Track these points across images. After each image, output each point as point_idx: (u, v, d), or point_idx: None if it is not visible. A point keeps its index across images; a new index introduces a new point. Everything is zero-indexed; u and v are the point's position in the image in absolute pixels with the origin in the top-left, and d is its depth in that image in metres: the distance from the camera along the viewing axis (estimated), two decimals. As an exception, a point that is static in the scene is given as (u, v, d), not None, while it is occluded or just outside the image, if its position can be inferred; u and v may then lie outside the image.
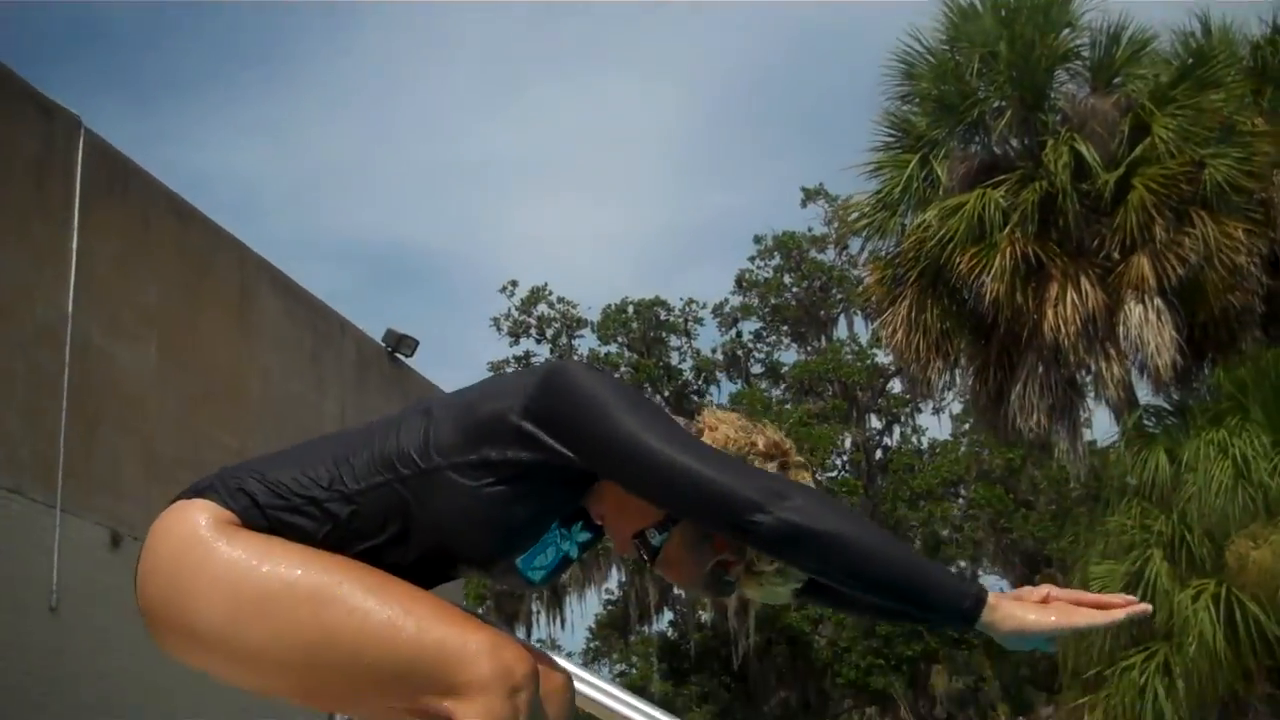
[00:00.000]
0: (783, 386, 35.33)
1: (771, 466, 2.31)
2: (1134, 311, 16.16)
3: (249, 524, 2.25)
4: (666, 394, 36.07)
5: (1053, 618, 2.08)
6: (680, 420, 2.35)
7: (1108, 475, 17.30)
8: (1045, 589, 2.13)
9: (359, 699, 2.28)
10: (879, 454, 33.93)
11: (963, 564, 32.05)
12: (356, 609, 2.15)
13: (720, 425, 2.35)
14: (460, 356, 59.86)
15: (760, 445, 2.32)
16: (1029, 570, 29.23)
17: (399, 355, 20.00)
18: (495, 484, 2.22)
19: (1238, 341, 16.88)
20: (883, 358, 32.78)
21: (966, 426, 32.05)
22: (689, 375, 36.51)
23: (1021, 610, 2.07)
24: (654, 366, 35.52)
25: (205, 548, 2.22)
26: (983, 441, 30.08)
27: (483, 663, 2.11)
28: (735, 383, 36.07)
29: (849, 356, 33.98)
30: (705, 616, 31.98)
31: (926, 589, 2.07)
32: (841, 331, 35.61)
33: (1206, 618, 13.61)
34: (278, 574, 2.18)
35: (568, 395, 2.19)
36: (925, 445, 33.65)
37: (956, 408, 31.54)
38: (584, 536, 2.41)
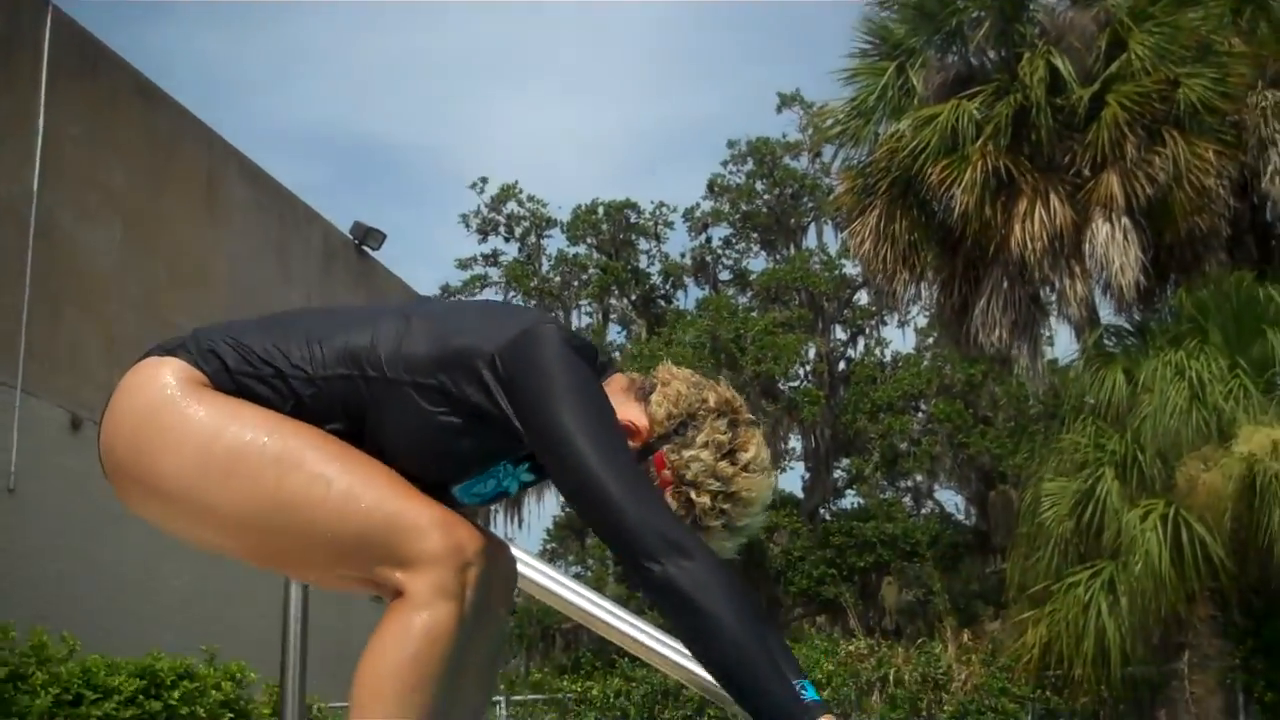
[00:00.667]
0: (750, 294, 35.31)
1: (722, 423, 2.34)
2: (1101, 230, 16.21)
3: (217, 387, 2.27)
4: (634, 297, 36.05)
5: None
6: (634, 377, 2.40)
7: (1066, 393, 17.46)
8: None
9: (313, 564, 2.33)
10: (842, 365, 34.05)
11: (919, 478, 32.34)
12: (319, 476, 2.18)
13: (673, 380, 2.38)
14: (428, 253, 59.65)
15: (711, 402, 2.36)
16: (984, 486, 29.53)
17: (366, 248, 19.90)
18: (449, 415, 2.25)
19: (1202, 264, 16.97)
20: (851, 269, 32.78)
21: (930, 340, 32.19)
22: (657, 279, 36.46)
23: None
24: (622, 269, 35.44)
25: (174, 406, 2.24)
26: (945, 356, 30.23)
27: (435, 537, 2.15)
28: (703, 288, 36.08)
29: (817, 266, 33.96)
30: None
31: (759, 702, 2.09)
32: (811, 241, 35.61)
33: (1154, 538, 13.83)
34: (244, 437, 2.21)
35: (532, 366, 2.21)
36: (888, 358, 33.80)
37: (921, 321, 31.69)
38: (528, 477, 2.45)
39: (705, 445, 2.31)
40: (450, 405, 2.25)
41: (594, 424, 2.18)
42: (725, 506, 2.30)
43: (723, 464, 2.30)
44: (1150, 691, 14.69)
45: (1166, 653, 14.43)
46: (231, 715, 8.18)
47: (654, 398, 2.35)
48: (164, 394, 2.25)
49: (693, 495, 2.29)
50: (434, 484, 2.32)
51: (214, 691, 8.11)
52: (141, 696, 7.57)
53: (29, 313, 12.81)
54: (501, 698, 15.92)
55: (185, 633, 12.81)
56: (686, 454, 2.30)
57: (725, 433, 2.33)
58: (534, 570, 3.00)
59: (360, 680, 2.12)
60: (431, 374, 2.25)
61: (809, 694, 2.19)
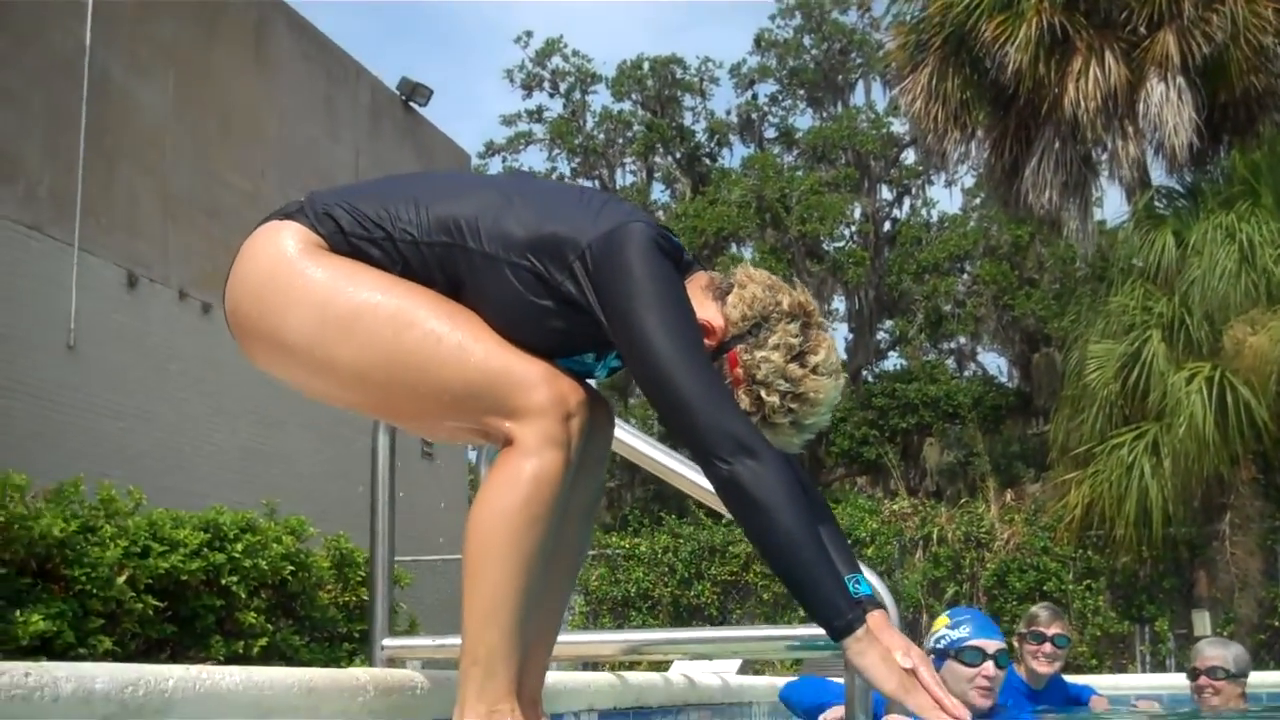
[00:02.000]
0: (795, 153, 35.01)
1: (794, 326, 2.43)
2: (1155, 89, 15.97)
3: (333, 248, 2.41)
4: (678, 155, 35.81)
5: (892, 688, 2.26)
6: (714, 276, 2.50)
7: (1114, 255, 17.37)
8: (919, 661, 2.32)
9: (426, 415, 2.47)
10: (887, 226, 33.84)
11: (963, 340, 32.32)
12: (432, 332, 2.33)
13: (750, 283, 2.47)
14: (473, 110, 59.18)
15: (785, 305, 2.45)
16: (1028, 348, 29.48)
17: (413, 104, 19.82)
18: (541, 298, 2.37)
19: (1256, 125, 16.72)
20: (898, 127, 32.39)
21: (977, 201, 31.89)
22: (702, 137, 36.17)
23: (881, 669, 2.26)
24: (666, 127, 35.15)
25: (295, 268, 2.38)
26: (992, 217, 29.97)
27: (542, 389, 2.30)
28: (748, 146, 35.76)
29: (864, 124, 33.58)
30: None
31: (812, 595, 2.24)
32: (859, 98, 35.17)
33: (1199, 400, 13.88)
34: (362, 295, 2.34)
35: (619, 263, 2.31)
36: (934, 219, 33.56)
37: (969, 181, 31.37)
38: (616, 363, 2.57)
39: (776, 347, 2.41)
40: (542, 288, 2.36)
41: (673, 325, 2.29)
42: (793, 406, 2.41)
43: (792, 365, 2.41)
44: (1190, 552, 14.86)
45: (1208, 514, 14.56)
46: (292, 568, 8.37)
47: (730, 298, 2.45)
48: (285, 256, 2.39)
49: (763, 394, 2.40)
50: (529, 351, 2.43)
51: (275, 545, 8.28)
52: (206, 549, 7.75)
53: (84, 169, 12.89)
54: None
55: (242, 489, 13.12)
56: (759, 354, 2.40)
57: (796, 336, 2.44)
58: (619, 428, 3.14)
59: (474, 521, 2.28)
60: (526, 256, 2.36)
61: (862, 588, 2.30)
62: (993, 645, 4.08)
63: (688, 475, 3.48)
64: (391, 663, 3.47)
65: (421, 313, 2.34)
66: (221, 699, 1.92)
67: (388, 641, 3.52)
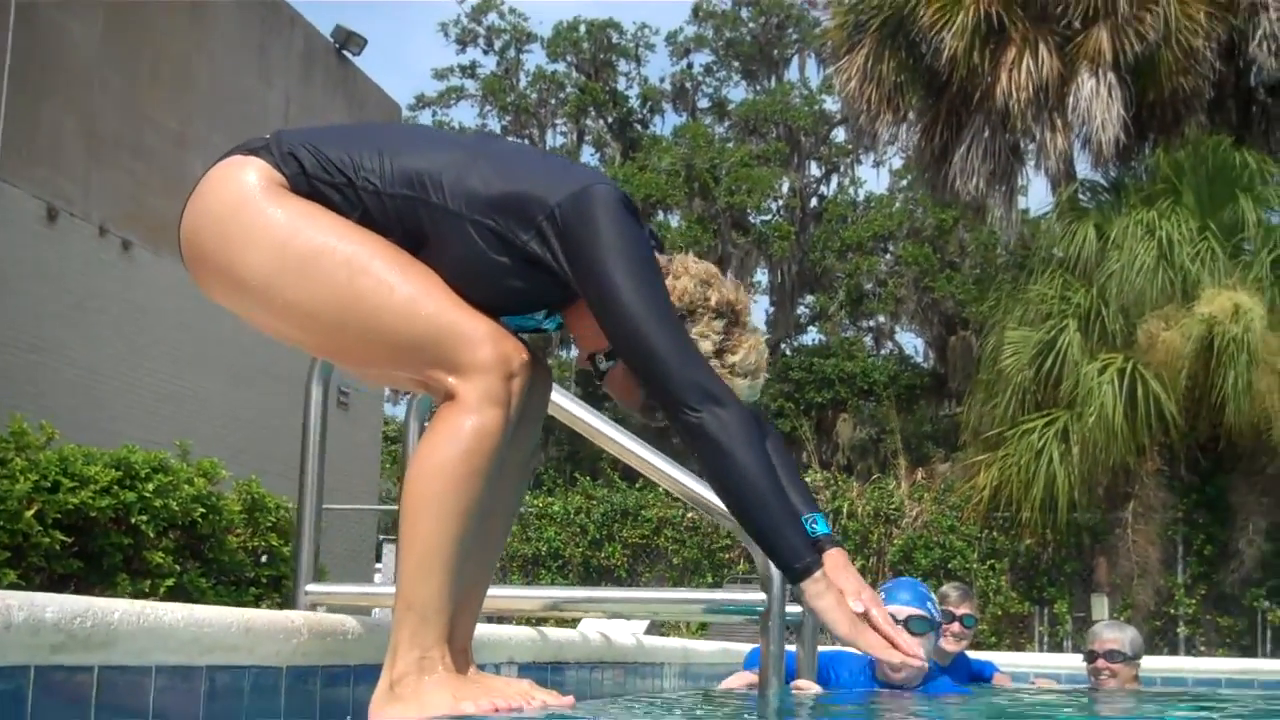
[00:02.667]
0: (727, 124, 35.10)
1: (719, 324, 2.54)
2: (1086, 84, 16.21)
3: (294, 189, 2.43)
4: (610, 120, 35.75)
5: (844, 630, 2.37)
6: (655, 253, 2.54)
7: (1036, 244, 17.64)
8: (870, 602, 2.43)
9: (371, 361, 2.53)
10: (814, 202, 34.05)
11: (882, 319, 32.64)
12: (385, 281, 2.36)
13: (684, 275, 2.57)
14: (405, 63, 58.59)
15: (713, 302, 2.56)
16: (945, 330, 29.86)
17: (346, 53, 19.61)
18: (502, 256, 2.41)
19: (1181, 125, 17.04)
20: (831, 105, 32.56)
21: (904, 183, 32.17)
22: (634, 103, 36.15)
23: (835, 611, 2.36)
24: (600, 90, 35.08)
25: (257, 206, 2.39)
26: (918, 200, 30.27)
27: (487, 347, 2.34)
28: (680, 115, 35.80)
29: (797, 100, 33.73)
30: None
31: (773, 539, 2.35)
32: (793, 74, 35.31)
33: (1110, 390, 14.18)
34: (320, 238, 2.37)
35: (589, 223, 2.37)
36: (861, 198, 33.81)
37: (897, 163, 31.65)
38: (560, 319, 2.64)
39: (698, 340, 2.51)
40: (503, 247, 2.41)
41: (643, 282, 2.37)
42: None
43: (711, 362, 2.49)
44: (1092, 538, 15.19)
45: (1112, 502, 14.89)
46: (203, 510, 8.30)
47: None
48: (247, 192, 2.41)
49: None
50: (479, 308, 2.47)
51: (186, 486, 8.21)
52: (117, 487, 7.67)
53: (7, 102, 12.64)
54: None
55: (155, 429, 12.98)
56: None
57: (719, 334, 2.55)
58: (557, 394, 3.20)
59: (413, 473, 2.32)
60: (489, 214, 2.41)
61: (820, 528, 2.39)
62: (903, 612, 4.20)
63: (610, 434, 3.57)
64: (313, 609, 3.51)
65: (377, 261, 2.37)
66: (164, 634, 1.95)
67: (311, 587, 3.56)
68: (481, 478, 2.31)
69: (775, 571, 3.51)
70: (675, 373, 2.33)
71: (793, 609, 3.72)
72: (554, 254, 2.39)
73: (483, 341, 2.35)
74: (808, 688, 3.78)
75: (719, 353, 2.53)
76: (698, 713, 2.91)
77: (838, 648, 5.27)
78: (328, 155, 2.45)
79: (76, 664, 1.78)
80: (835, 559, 2.45)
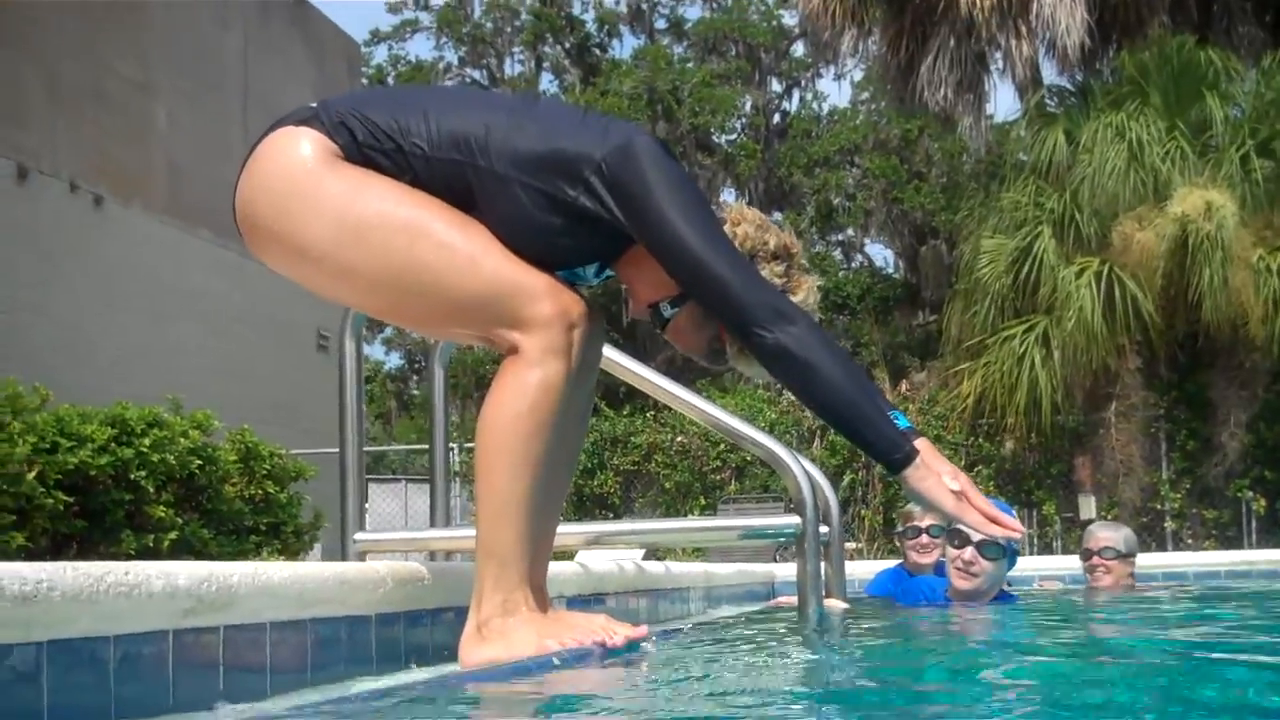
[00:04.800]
0: (686, 44, 34.87)
1: (779, 266, 2.67)
2: (1049, -12, 16.20)
3: (347, 158, 2.50)
4: (568, 45, 35.46)
5: (951, 507, 2.51)
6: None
7: (1006, 152, 17.70)
8: (966, 485, 2.53)
9: (434, 321, 2.65)
10: (778, 119, 33.94)
11: (851, 232, 32.68)
12: (445, 244, 2.45)
13: (742, 221, 2.68)
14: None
15: (771, 245, 2.68)
16: (916, 241, 29.93)
17: (303, -7, 19.40)
18: (550, 215, 2.49)
19: (1145, 26, 17.07)
20: (789, 19, 32.38)
21: (866, 95, 32.08)
22: (591, 27, 35.84)
23: (939, 490, 2.49)
24: (555, 16, 34.77)
25: (313, 176, 2.46)
26: (881, 111, 30.21)
27: (547, 302, 2.43)
28: (638, 37, 35.55)
29: (755, 17, 33.52)
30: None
31: (869, 435, 2.50)
32: (749, -11, 34.99)
33: (1088, 294, 14.31)
34: (378, 206, 2.45)
35: (639, 172, 2.45)
36: (824, 112, 33.70)
37: (857, 75, 31.54)
38: (610, 273, 2.73)
39: None
40: (552, 206, 2.49)
41: (698, 220, 2.46)
42: None
43: None
44: (1076, 439, 15.39)
45: (1094, 403, 15.07)
46: (200, 462, 8.35)
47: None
48: (304, 164, 2.47)
49: None
50: (532, 264, 2.54)
51: (182, 439, 8.25)
52: (114, 444, 7.71)
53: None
54: (455, 445, 16.34)
55: (138, 384, 12.96)
56: None
57: (781, 276, 2.67)
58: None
59: (485, 426, 2.42)
60: (536, 174, 2.48)
61: (902, 422, 2.49)
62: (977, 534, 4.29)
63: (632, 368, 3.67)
64: (362, 556, 3.58)
65: (435, 224, 2.45)
66: (274, 593, 2.02)
67: (360, 535, 3.63)
68: (549, 428, 2.41)
69: (808, 495, 3.65)
70: (745, 296, 2.43)
71: (823, 529, 3.84)
72: (606, 206, 2.47)
73: (543, 296, 2.43)
74: (836, 605, 3.90)
75: (780, 294, 2.60)
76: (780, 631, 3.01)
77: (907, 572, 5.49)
78: (376, 122, 2.51)
79: (205, 625, 1.85)
80: (925, 447, 2.55)
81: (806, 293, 2.68)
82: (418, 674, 2.38)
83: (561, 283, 2.50)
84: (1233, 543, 14.32)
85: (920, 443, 2.53)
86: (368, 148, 2.49)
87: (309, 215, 2.45)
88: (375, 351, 37.44)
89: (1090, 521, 11.21)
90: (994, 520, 2.52)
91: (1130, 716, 1.49)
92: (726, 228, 2.62)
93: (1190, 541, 14.62)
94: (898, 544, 5.84)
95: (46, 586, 1.56)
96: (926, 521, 5.45)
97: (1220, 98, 15.11)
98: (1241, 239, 13.88)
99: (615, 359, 3.51)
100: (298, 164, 2.47)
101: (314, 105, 2.57)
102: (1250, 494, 14.69)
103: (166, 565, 1.77)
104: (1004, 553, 4.47)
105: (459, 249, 2.44)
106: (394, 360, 38.64)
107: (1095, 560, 5.86)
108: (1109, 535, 5.97)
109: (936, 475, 2.49)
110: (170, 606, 1.75)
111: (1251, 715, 1.48)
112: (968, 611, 4.28)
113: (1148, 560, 7.03)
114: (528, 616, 2.40)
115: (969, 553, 4.45)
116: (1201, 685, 1.78)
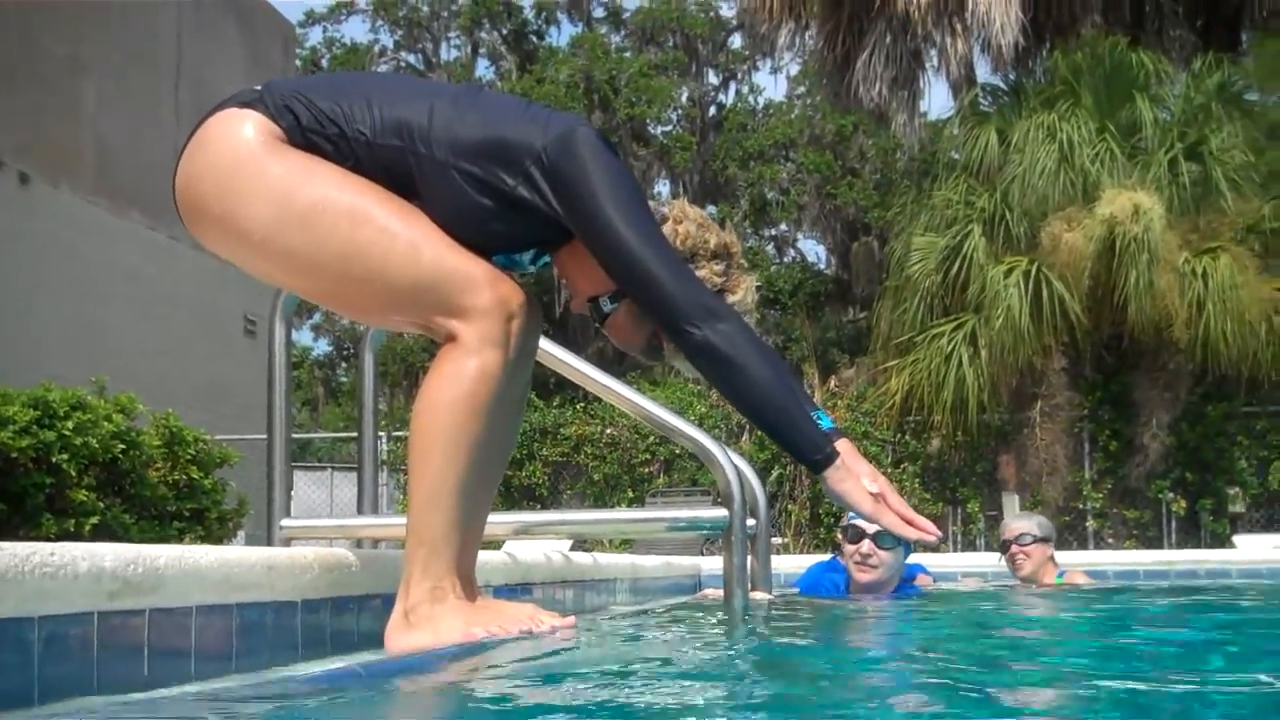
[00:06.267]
0: (624, 33, 34.82)
1: (719, 266, 2.71)
2: (984, -13, 16.33)
3: (291, 142, 2.50)
4: (505, 31, 35.30)
5: (868, 509, 2.55)
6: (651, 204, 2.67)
7: (939, 150, 17.84)
8: (884, 487, 2.56)
9: (373, 308, 2.67)
10: (713, 111, 33.99)
11: (784, 227, 32.81)
12: (386, 229, 2.45)
13: (684, 220, 2.73)
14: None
15: (711, 244, 2.73)
16: (848, 237, 30.12)
17: (238, -28, 19.20)
18: (489, 201, 2.51)
19: (1078, 26, 17.27)
20: (726, 10, 32.42)
21: (802, 89, 32.20)
22: (529, 14, 35.69)
23: (858, 493, 2.53)
24: (494, 1, 34.59)
25: (257, 159, 2.46)
26: (816, 106, 30.34)
27: (487, 292, 2.45)
28: (576, 25, 35.44)
29: (693, 7, 33.54)
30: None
31: (791, 435, 2.53)
32: (686, -22, 34.97)
33: (1016, 293, 14.48)
34: (321, 191, 2.45)
35: (579, 164, 2.48)
36: (760, 106, 33.81)
37: (794, 69, 31.65)
38: (544, 260, 2.76)
39: None
40: (491, 195, 2.50)
41: (634, 214, 2.49)
42: None
43: None
44: (1002, 438, 15.56)
45: (1020, 402, 15.24)
46: (123, 446, 8.25)
47: (664, 229, 2.65)
48: (247, 146, 2.47)
49: None
50: (471, 250, 2.55)
51: (105, 423, 8.16)
52: (36, 427, 7.60)
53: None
54: (384, 434, 16.25)
55: (65, 365, 12.79)
56: None
57: (720, 275, 2.72)
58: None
59: (419, 413, 2.43)
60: (475, 162, 2.50)
61: (825, 423, 2.53)
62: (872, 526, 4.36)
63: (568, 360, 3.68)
64: (287, 543, 3.56)
65: (377, 210, 2.45)
66: (201, 576, 2.02)
67: (286, 522, 3.62)
68: (484, 416, 2.43)
69: (736, 490, 3.70)
70: (676, 293, 2.46)
71: (750, 523, 3.89)
72: (544, 197, 2.49)
73: (483, 285, 2.45)
74: (761, 598, 3.95)
75: (719, 293, 2.66)
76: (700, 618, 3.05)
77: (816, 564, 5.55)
78: (320, 107, 2.52)
79: (131, 608, 1.84)
80: (846, 448, 2.58)
81: (745, 292, 2.73)
82: (342, 661, 2.37)
83: (502, 273, 2.52)
84: (1153, 542, 14.55)
85: (841, 444, 2.56)
86: (311, 132, 2.49)
87: (251, 197, 2.45)
88: (303, 337, 37.14)
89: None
90: (910, 522, 2.56)
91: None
92: (668, 226, 2.66)
93: (1111, 541, 14.84)
94: (835, 540, 5.90)
95: (-31, 567, 1.55)
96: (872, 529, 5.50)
97: (1150, 100, 15.32)
98: (1168, 242, 14.08)
99: (547, 349, 3.53)
100: (241, 146, 2.46)
101: (258, 88, 2.56)
102: (1170, 495, 14.93)
103: (93, 546, 1.77)
104: (899, 541, 4.55)
105: (399, 236, 2.44)
106: (322, 346, 38.35)
107: (1014, 549, 5.99)
108: (1022, 524, 6.14)
109: (856, 477, 2.53)
110: (96, 588, 1.75)
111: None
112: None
113: (1069, 559, 7.13)
114: (455, 604, 2.41)
115: (866, 545, 4.59)
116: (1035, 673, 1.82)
